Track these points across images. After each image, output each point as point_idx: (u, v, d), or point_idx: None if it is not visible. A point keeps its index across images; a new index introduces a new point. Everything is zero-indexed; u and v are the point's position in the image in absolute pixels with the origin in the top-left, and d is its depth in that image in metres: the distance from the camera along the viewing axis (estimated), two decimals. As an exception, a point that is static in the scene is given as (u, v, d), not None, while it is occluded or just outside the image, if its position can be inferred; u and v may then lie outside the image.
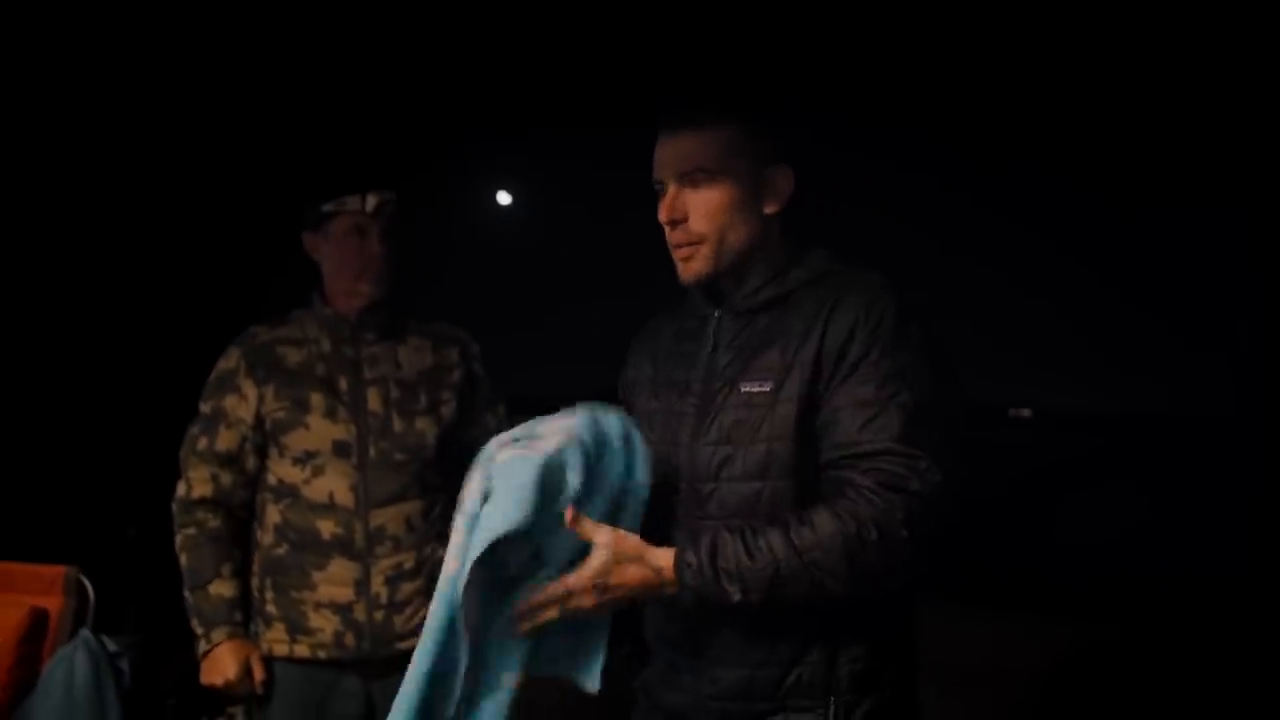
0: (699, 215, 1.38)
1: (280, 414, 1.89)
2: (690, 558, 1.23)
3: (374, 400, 1.92)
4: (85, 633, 1.75)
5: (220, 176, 3.60)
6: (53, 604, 1.85)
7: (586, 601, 1.24)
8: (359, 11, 3.73)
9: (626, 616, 1.47)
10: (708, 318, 1.44)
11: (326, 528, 1.84)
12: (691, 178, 1.37)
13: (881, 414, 1.26)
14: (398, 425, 1.91)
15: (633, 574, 1.24)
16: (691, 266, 1.39)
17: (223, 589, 1.81)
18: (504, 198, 8.02)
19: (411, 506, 1.90)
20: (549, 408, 1.39)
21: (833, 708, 1.30)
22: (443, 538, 1.58)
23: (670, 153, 1.41)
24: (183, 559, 1.83)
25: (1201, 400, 6.98)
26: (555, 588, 1.24)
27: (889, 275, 1.39)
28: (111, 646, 1.81)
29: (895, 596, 1.34)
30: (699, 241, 1.39)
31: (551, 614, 1.25)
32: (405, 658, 1.24)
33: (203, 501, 1.86)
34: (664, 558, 1.24)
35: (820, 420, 1.30)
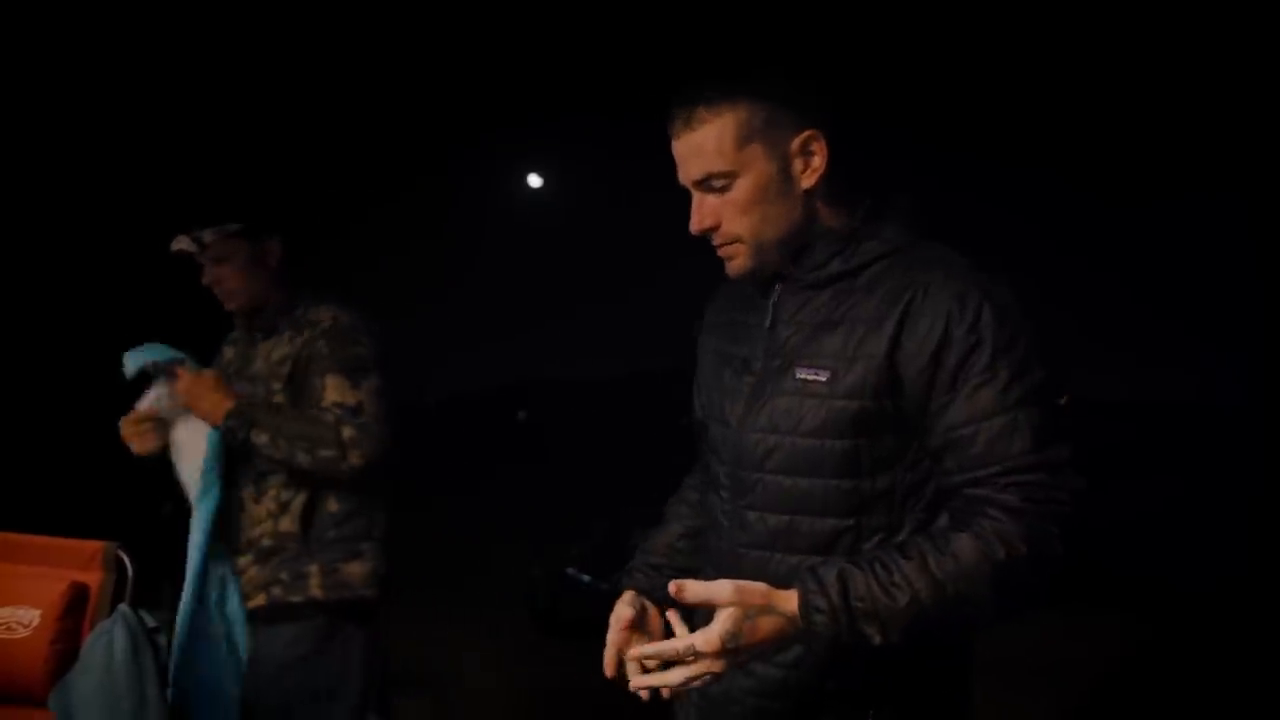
0: (729, 218, 1.27)
1: None
2: (820, 602, 1.08)
3: (247, 393, 2.15)
4: (124, 607, 1.77)
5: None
6: (92, 579, 1.86)
7: (717, 667, 1.07)
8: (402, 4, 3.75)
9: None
10: (770, 289, 1.34)
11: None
12: (707, 183, 1.25)
13: (1011, 425, 1.14)
14: None
15: (766, 628, 1.09)
16: (736, 265, 1.30)
17: None
18: (535, 180, 8.02)
19: (244, 494, 2.14)
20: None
21: (872, 715, 1.23)
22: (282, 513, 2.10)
23: (679, 160, 1.28)
24: None
25: (1231, 391, 6.88)
26: (676, 646, 1.08)
27: (969, 252, 1.26)
28: (149, 621, 1.83)
29: None
30: (737, 240, 1.28)
31: (675, 679, 1.09)
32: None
33: None
34: (792, 601, 1.09)
35: (935, 439, 1.19)
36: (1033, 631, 4.40)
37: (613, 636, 1.36)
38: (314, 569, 2.11)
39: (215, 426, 2.04)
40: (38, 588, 1.81)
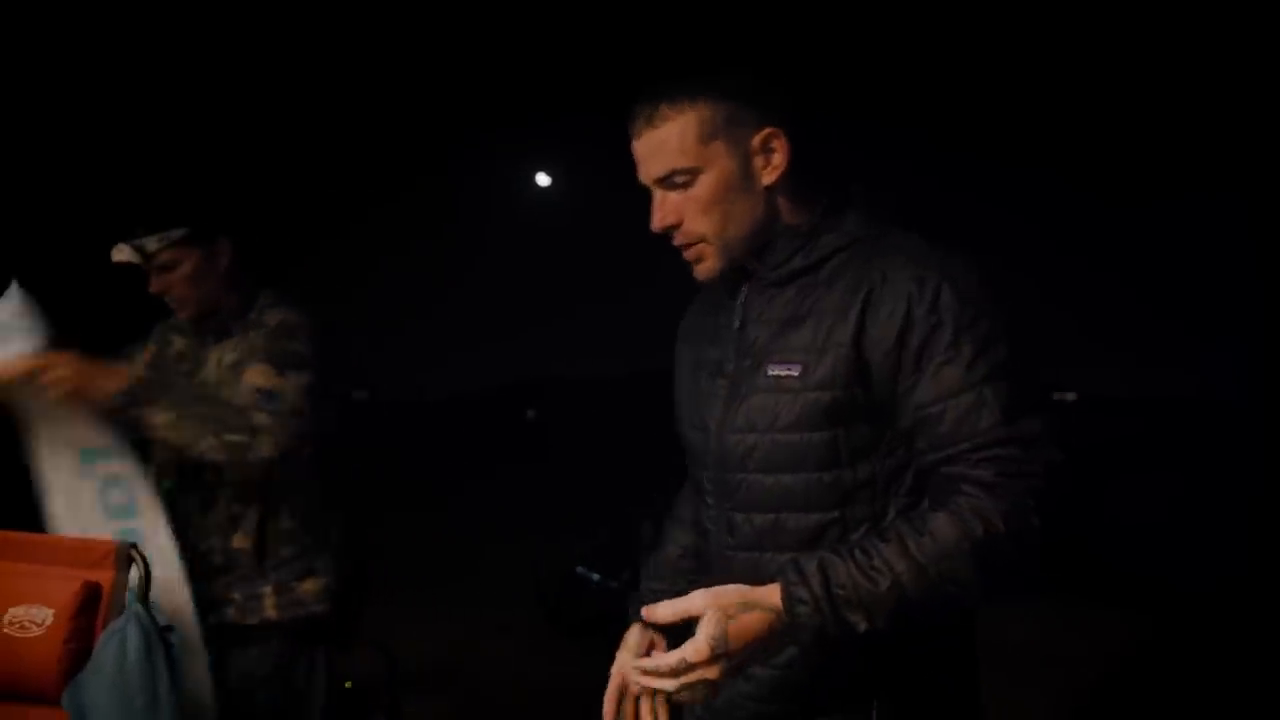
0: (692, 215, 1.27)
1: None
2: (801, 592, 1.08)
3: None
4: (137, 606, 1.77)
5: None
6: (104, 577, 1.87)
7: (712, 673, 1.06)
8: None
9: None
10: (738, 290, 1.36)
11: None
12: (670, 180, 1.26)
13: (978, 400, 1.14)
14: None
15: (752, 625, 1.08)
16: (703, 266, 1.31)
17: None
18: (543, 179, 8.05)
19: (189, 500, 2.06)
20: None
21: (875, 713, 1.22)
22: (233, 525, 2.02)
23: (641, 158, 1.29)
24: None
25: (1231, 389, 6.88)
26: (667, 661, 1.07)
27: (929, 234, 1.27)
28: (161, 620, 1.84)
29: None
30: (699, 241, 1.29)
31: (668, 685, 1.07)
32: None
33: None
34: (773, 595, 1.09)
35: (905, 420, 1.20)
36: (1032, 626, 4.41)
37: (615, 680, 1.40)
38: (268, 589, 2.05)
39: (105, 405, 1.84)
40: (51, 587, 1.82)
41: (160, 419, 1.85)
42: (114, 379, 1.85)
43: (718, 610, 1.07)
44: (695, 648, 1.06)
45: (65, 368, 1.82)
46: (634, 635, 1.48)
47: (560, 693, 4.36)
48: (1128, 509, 5.88)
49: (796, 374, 1.23)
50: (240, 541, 2.04)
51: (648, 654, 1.44)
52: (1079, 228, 8.91)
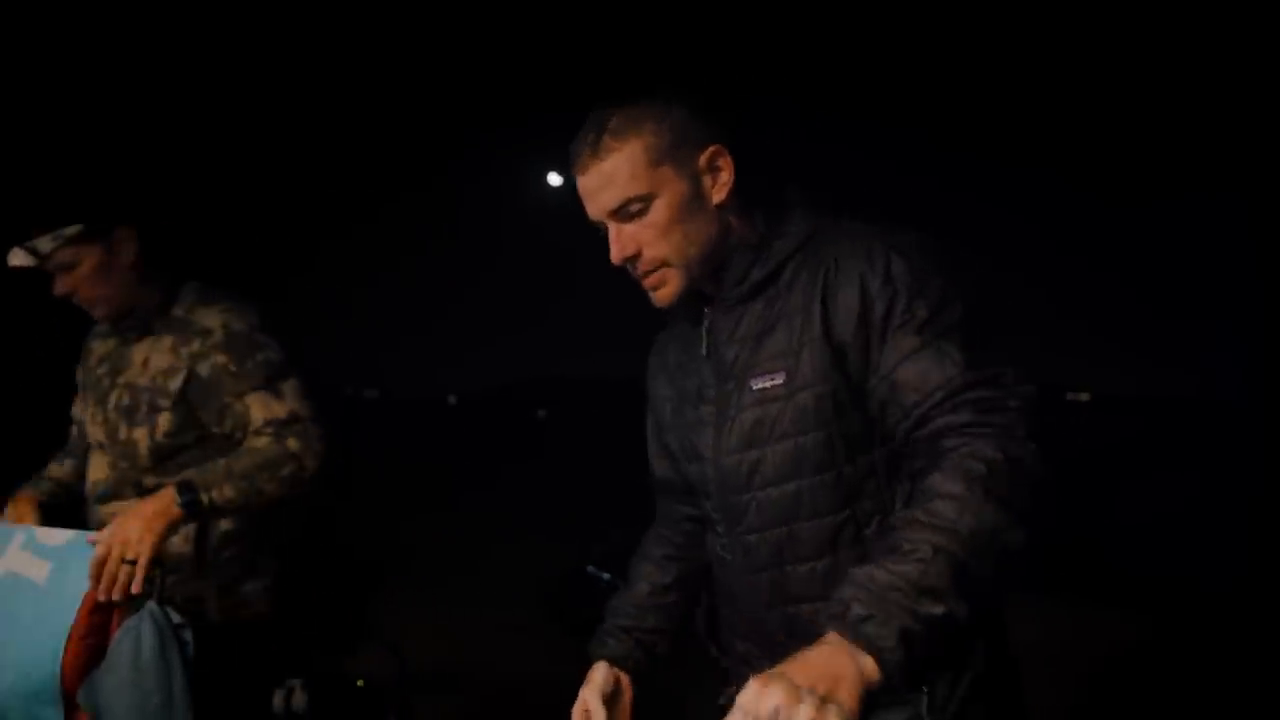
0: (650, 242, 1.26)
1: (77, 408, 2.19)
2: (856, 610, 0.95)
3: (114, 403, 2.02)
4: (151, 604, 1.79)
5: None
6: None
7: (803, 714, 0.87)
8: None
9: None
10: (700, 317, 1.35)
11: (90, 515, 2.07)
12: (624, 210, 1.25)
13: (937, 355, 1.14)
14: (121, 432, 2.00)
15: (813, 655, 0.94)
16: (664, 291, 1.30)
17: None
18: (555, 179, 8.08)
19: (124, 506, 1.97)
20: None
21: (926, 698, 1.20)
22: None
23: (589, 193, 1.27)
24: None
25: (1230, 388, 6.85)
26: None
27: (870, 217, 1.27)
28: (175, 618, 1.85)
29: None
30: (662, 265, 1.27)
31: None
32: None
33: None
34: (830, 641, 0.95)
35: (875, 397, 1.18)
36: (1037, 625, 4.40)
37: (579, 711, 1.43)
38: (210, 592, 2.00)
39: (172, 515, 1.78)
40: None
41: (224, 494, 1.82)
42: (162, 504, 1.78)
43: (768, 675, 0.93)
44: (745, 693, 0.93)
45: (131, 544, 1.74)
46: (599, 673, 1.49)
47: (570, 692, 4.36)
48: (1128, 508, 5.86)
49: (781, 381, 1.23)
50: (179, 545, 1.95)
51: (613, 692, 1.47)
52: (1079, 228, 8.90)
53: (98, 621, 1.80)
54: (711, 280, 1.31)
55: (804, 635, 1.10)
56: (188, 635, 1.88)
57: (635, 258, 1.28)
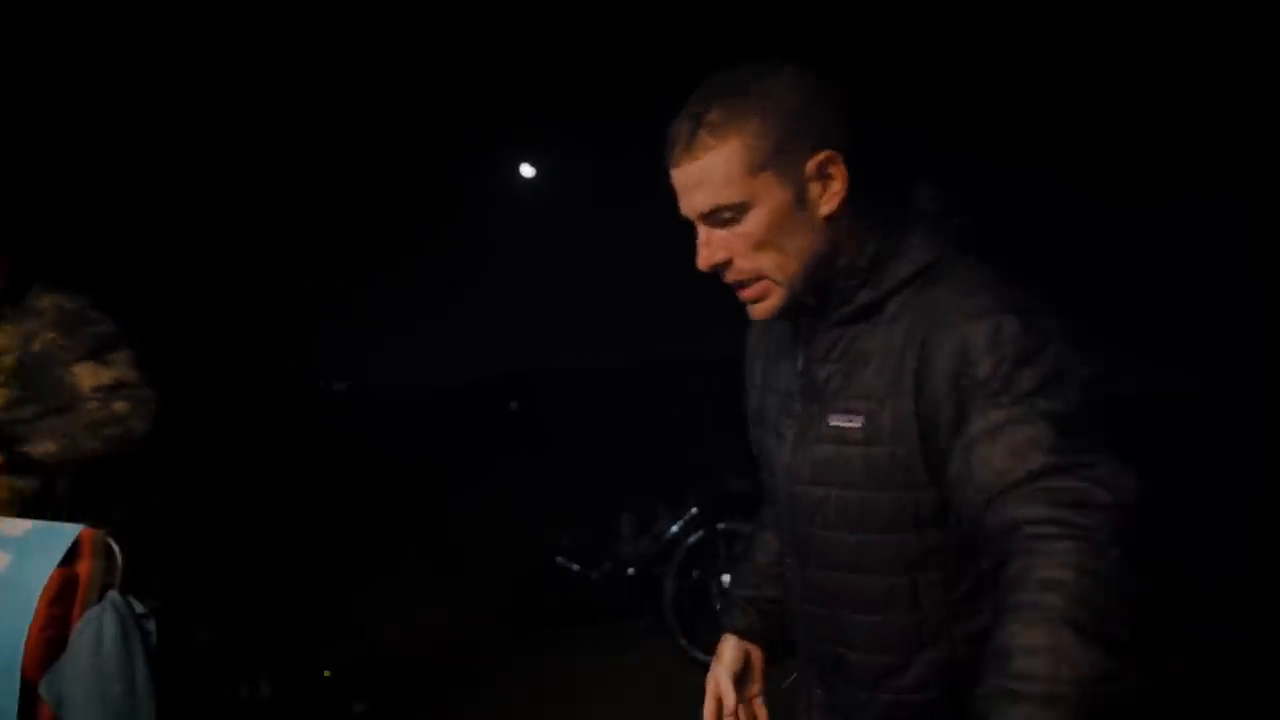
0: (741, 253, 1.14)
1: None
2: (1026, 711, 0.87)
3: None
4: (113, 594, 1.78)
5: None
6: (81, 567, 1.87)
7: None
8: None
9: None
10: (797, 329, 1.25)
11: None
12: (715, 216, 1.13)
13: (1031, 431, 0.98)
14: None
15: None
16: (765, 307, 1.18)
17: None
18: (527, 170, 8.07)
19: None
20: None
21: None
22: None
23: (680, 189, 1.15)
24: None
25: (1230, 388, 6.94)
26: None
27: (1002, 268, 1.13)
28: (138, 608, 1.84)
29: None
30: (757, 279, 1.16)
31: None
32: None
33: None
34: None
35: (951, 467, 1.05)
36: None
37: (712, 699, 1.37)
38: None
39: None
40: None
41: (49, 447, 2.00)
42: None
43: None
44: None
45: None
46: (728, 648, 1.41)
47: (541, 680, 4.38)
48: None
49: (859, 425, 1.13)
50: (13, 516, 2.02)
51: (744, 666, 1.41)
52: (1079, 228, 8.97)
53: (58, 613, 1.78)
54: (814, 293, 1.18)
55: (849, 674, 1.18)
56: (150, 625, 1.87)
57: (725, 265, 1.15)
